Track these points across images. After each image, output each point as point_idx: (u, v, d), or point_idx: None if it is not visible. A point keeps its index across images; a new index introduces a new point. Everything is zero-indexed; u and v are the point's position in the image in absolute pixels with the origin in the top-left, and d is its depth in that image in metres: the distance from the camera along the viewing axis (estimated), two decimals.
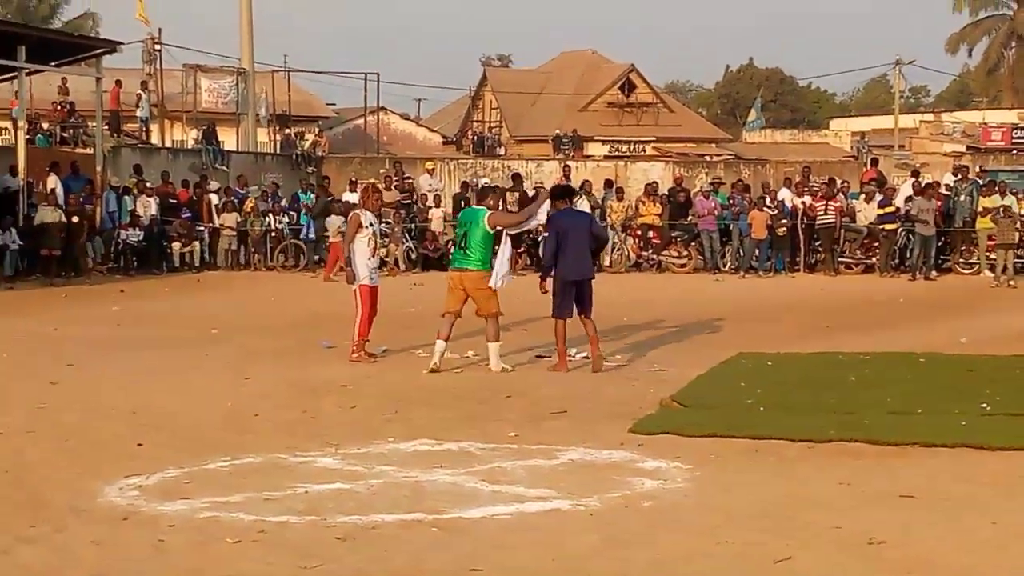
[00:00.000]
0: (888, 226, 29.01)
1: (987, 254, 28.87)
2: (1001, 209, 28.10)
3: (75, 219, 28.12)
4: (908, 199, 29.81)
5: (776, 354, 16.07)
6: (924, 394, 13.07)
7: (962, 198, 29.77)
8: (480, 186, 23.48)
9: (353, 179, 33.30)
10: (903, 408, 12.38)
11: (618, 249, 30.45)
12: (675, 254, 30.42)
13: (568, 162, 38.21)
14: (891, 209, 29.26)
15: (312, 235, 30.94)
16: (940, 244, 29.56)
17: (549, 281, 15.18)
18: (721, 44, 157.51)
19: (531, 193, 30.86)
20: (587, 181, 32.20)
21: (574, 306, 15.18)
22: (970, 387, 13.40)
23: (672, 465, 9.96)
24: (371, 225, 16.41)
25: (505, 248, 15.39)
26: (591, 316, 15.30)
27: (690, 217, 30.74)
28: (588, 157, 47.84)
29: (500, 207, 17.33)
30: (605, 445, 10.76)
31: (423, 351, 16.19)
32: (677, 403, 12.69)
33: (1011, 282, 26.70)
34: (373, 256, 16.46)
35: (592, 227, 15.81)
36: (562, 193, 15.96)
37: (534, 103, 63.31)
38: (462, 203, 27.94)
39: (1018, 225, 28.57)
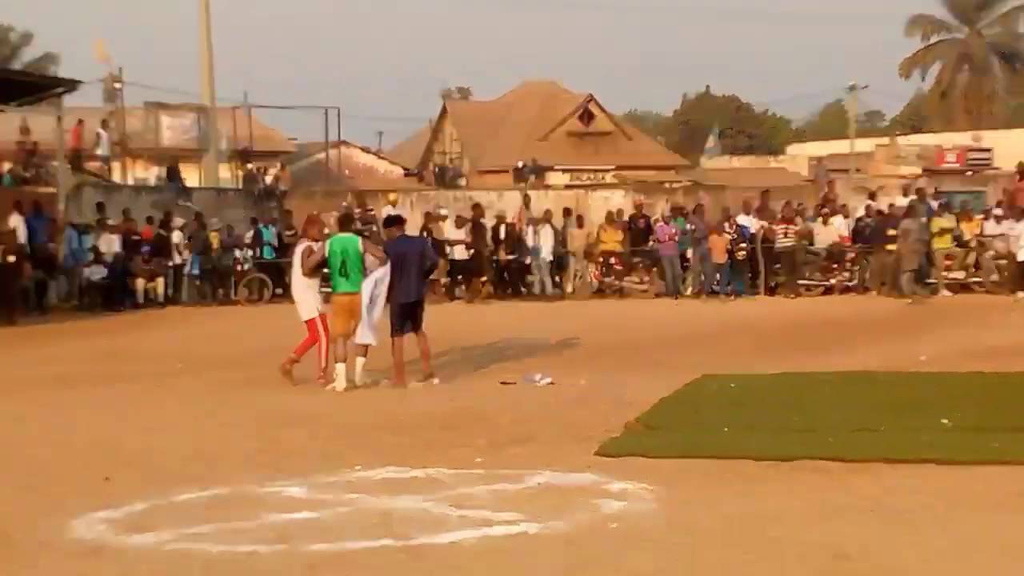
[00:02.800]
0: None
1: (944, 274, 29.16)
2: (902, 231, 28.32)
3: (11, 259, 27.52)
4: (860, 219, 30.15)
5: (739, 376, 16.22)
6: (886, 412, 13.21)
7: (921, 219, 30.02)
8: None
9: (315, 213, 33.28)
10: (866, 426, 12.51)
11: (580, 276, 30.58)
12: (637, 280, 30.57)
13: (529, 191, 38.33)
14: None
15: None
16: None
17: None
18: (678, 72, 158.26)
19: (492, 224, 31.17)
20: (548, 210, 32.34)
21: (409, 324, 16.50)
22: (930, 404, 13.56)
23: (638, 487, 10.03)
24: None
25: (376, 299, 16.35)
26: (421, 331, 16.63)
27: (651, 243, 30.88)
28: (549, 186, 47.95)
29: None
30: (571, 468, 10.83)
31: (386, 380, 16.37)
32: (642, 425, 12.79)
33: (923, 300, 27.20)
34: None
35: (424, 251, 17.20)
36: (391, 222, 17.63)
37: (494, 134, 63.49)
38: (423, 233, 27.96)
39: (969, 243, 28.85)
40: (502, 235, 30.77)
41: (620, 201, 37.25)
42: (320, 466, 11.15)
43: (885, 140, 68.05)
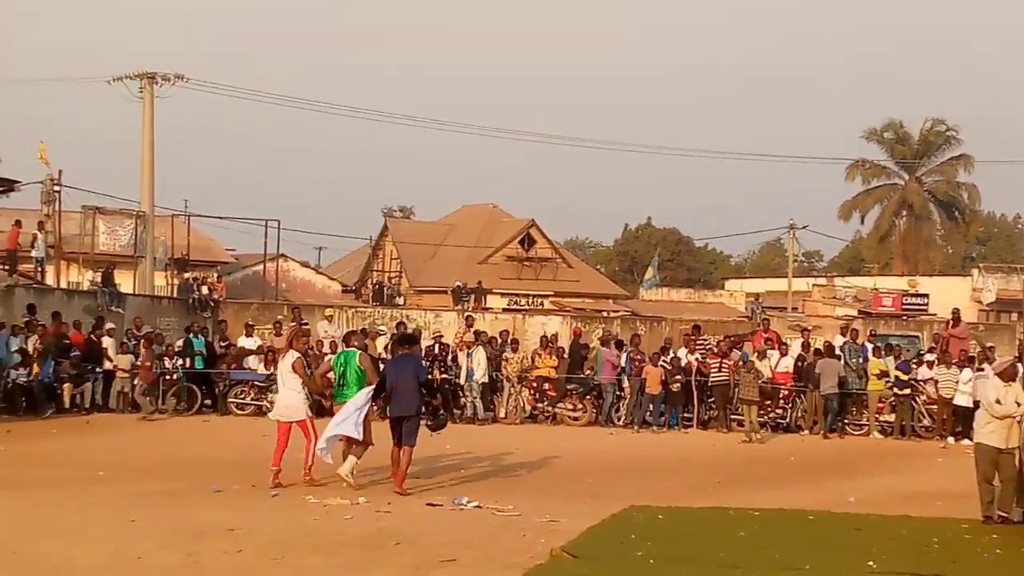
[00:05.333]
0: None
1: (876, 416, 29.29)
2: (742, 364, 28.54)
3: None
4: (800, 358, 30.28)
5: (667, 508, 16.13)
6: (812, 551, 13.18)
7: (856, 360, 30.24)
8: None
9: (250, 323, 33.16)
10: (791, 564, 12.45)
11: (513, 400, 30.47)
12: (570, 407, 30.46)
13: (470, 313, 38.36)
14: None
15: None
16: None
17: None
18: (620, 203, 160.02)
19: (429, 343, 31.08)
20: (483, 332, 32.31)
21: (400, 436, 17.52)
22: (857, 545, 13.55)
23: None
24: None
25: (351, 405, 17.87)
26: (407, 445, 17.48)
27: (588, 371, 30.84)
28: (487, 309, 48.07)
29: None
30: None
31: (313, 496, 16.20)
32: (568, 554, 12.64)
33: (757, 436, 27.19)
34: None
35: (417, 371, 18.04)
36: (403, 340, 19.38)
37: (434, 254, 63.75)
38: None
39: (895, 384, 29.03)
40: (437, 353, 30.62)
41: (557, 327, 37.35)
42: None
43: (823, 280, 68.98)
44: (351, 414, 17.77)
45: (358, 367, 18.42)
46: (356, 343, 19.78)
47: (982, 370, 27.76)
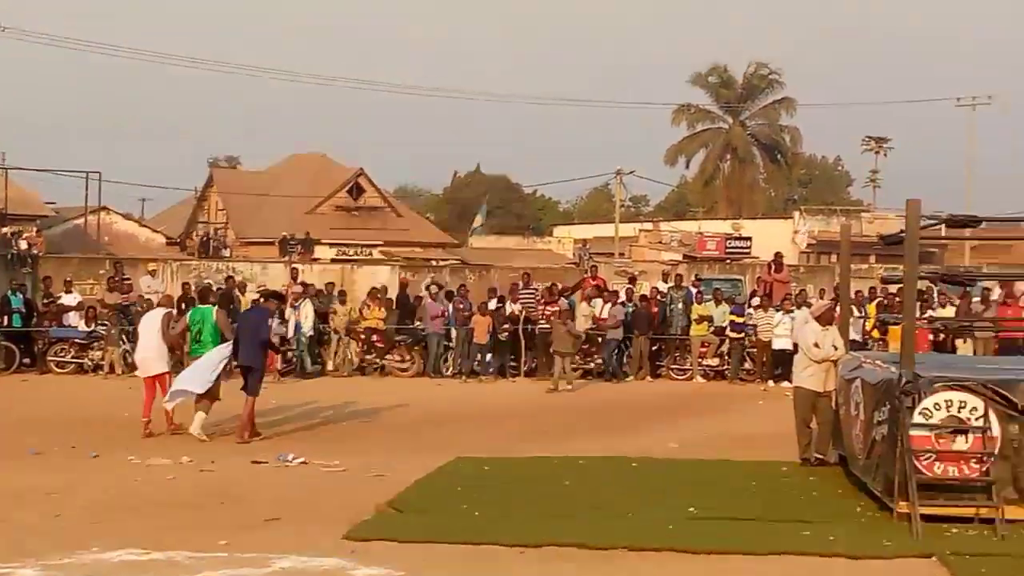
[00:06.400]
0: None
1: (699, 360, 29.81)
2: (559, 314, 28.87)
3: None
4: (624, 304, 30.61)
5: (493, 459, 16.22)
6: (635, 498, 13.39)
7: (678, 306, 30.69)
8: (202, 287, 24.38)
9: (68, 279, 32.39)
10: (615, 511, 12.65)
11: (341, 353, 30.27)
12: (398, 358, 30.40)
13: (295, 265, 37.93)
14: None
15: None
16: (655, 349, 30.35)
17: None
18: (449, 150, 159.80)
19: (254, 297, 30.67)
20: (310, 284, 31.97)
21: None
22: (679, 491, 13.80)
23: (385, 572, 9.90)
24: None
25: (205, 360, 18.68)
26: (249, 395, 18.39)
27: (417, 321, 30.79)
28: (316, 260, 47.62)
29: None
30: (319, 552, 10.65)
31: (135, 456, 15.96)
32: (394, 508, 12.66)
33: (569, 386, 27.40)
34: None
35: (258, 327, 19.01)
36: (265, 295, 20.86)
37: (261, 205, 62.91)
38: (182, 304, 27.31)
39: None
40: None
41: (387, 277, 37.19)
42: (55, 547, 10.72)
43: (649, 225, 69.77)
44: (202, 370, 18.45)
45: (214, 323, 19.21)
46: (212, 299, 20.81)
47: (791, 312, 28.56)
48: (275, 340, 23.80)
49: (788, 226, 64.35)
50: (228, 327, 19.22)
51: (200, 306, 20.17)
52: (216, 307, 20.26)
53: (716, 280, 38.08)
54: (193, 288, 29.40)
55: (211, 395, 18.55)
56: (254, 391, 18.50)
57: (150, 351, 19.32)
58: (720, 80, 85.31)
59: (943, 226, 16.94)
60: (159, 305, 20.98)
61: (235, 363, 18.93)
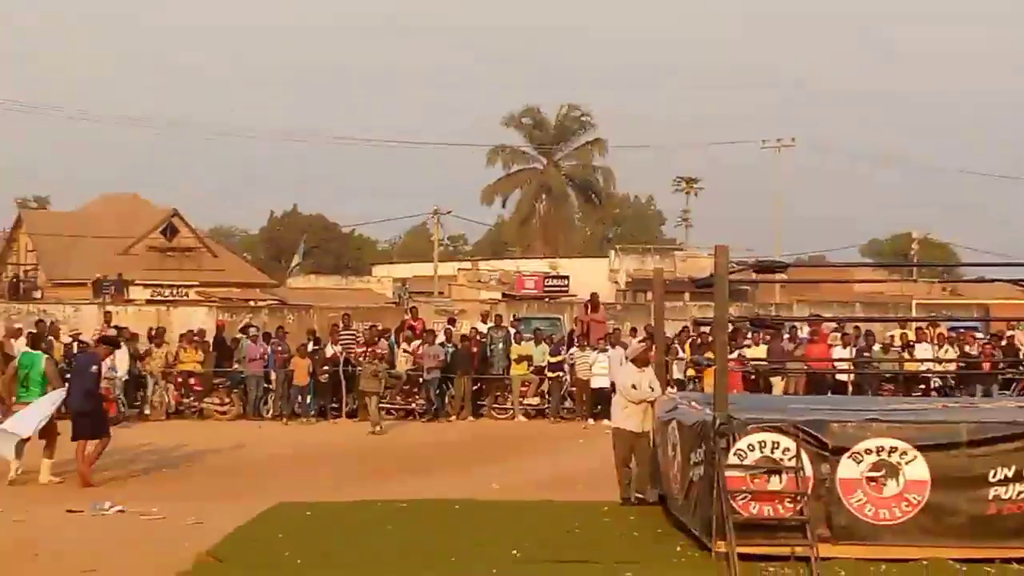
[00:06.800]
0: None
1: (520, 399, 30.05)
2: (365, 354, 29.05)
3: None
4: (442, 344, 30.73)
5: (316, 503, 16.08)
6: (459, 541, 13.41)
7: (499, 346, 30.94)
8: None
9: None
10: (439, 556, 12.67)
11: (158, 397, 29.75)
12: (217, 401, 30.01)
13: (109, 307, 37.18)
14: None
15: None
16: (476, 389, 30.51)
17: None
18: (265, 190, 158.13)
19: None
20: (124, 328, 31.35)
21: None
22: (502, 534, 13.85)
23: None
24: None
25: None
26: (82, 439, 18.44)
27: (235, 364, 30.44)
28: (130, 301, 46.75)
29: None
30: None
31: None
32: (214, 558, 12.49)
33: (378, 428, 27.29)
34: None
35: (85, 375, 18.94)
36: (101, 340, 21.55)
37: (73, 246, 61.56)
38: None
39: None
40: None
41: (203, 318, 36.69)
42: None
43: (467, 264, 70.11)
44: (30, 415, 18.52)
45: (42, 371, 19.27)
46: (43, 346, 20.74)
47: (605, 351, 29.06)
48: (106, 384, 23.17)
49: (604, 264, 65.26)
50: (56, 376, 19.39)
51: (30, 351, 20.13)
52: (46, 355, 20.05)
53: (535, 319, 38.38)
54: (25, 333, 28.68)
55: (50, 442, 18.63)
56: (96, 434, 18.62)
57: None
58: (533, 121, 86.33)
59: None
60: None
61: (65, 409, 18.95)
